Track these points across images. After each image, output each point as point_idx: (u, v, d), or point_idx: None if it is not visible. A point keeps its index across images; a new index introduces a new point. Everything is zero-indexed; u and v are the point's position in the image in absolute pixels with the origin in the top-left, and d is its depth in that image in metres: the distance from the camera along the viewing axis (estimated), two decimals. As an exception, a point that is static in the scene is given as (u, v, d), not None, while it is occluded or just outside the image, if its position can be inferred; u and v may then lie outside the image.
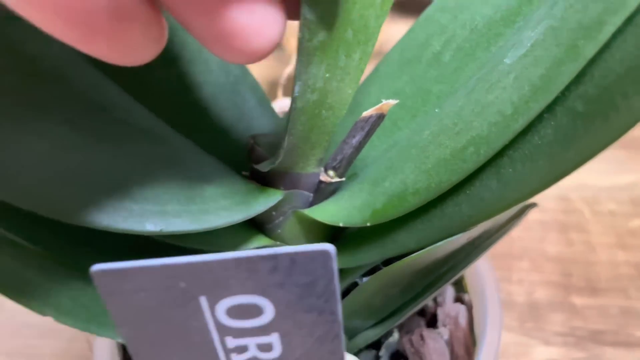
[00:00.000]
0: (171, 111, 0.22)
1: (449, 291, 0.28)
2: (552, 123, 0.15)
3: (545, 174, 0.16)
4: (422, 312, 0.27)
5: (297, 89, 0.17)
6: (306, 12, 0.15)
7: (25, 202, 0.16)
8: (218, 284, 0.13)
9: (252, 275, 0.13)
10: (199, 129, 0.22)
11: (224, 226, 0.19)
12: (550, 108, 0.16)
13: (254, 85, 0.24)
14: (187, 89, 0.22)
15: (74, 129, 0.18)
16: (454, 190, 0.18)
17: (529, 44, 0.17)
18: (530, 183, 0.16)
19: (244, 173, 0.23)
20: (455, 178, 0.18)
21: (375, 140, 0.22)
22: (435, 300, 0.27)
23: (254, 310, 0.14)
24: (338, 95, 0.19)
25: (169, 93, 0.22)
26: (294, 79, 0.18)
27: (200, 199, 0.19)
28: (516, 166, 0.16)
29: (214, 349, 0.15)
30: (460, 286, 0.29)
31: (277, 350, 0.15)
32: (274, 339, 0.15)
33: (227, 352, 0.15)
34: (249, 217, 0.20)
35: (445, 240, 0.18)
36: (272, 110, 0.25)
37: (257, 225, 0.24)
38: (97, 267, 0.13)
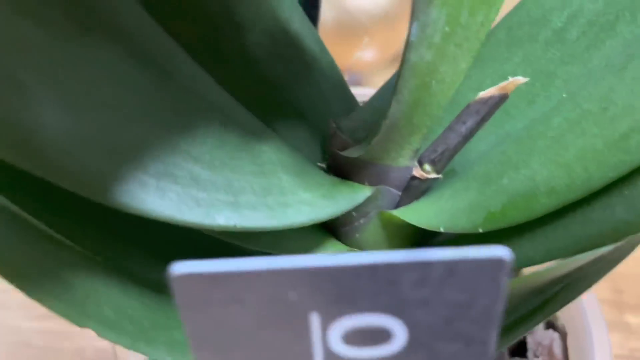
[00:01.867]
0: (241, 85, 0.18)
1: (539, 315, 0.24)
2: None
3: None
4: (506, 339, 0.24)
5: (413, 31, 0.14)
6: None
7: (64, 179, 0.13)
8: (340, 297, 0.10)
9: (388, 289, 0.10)
10: (271, 107, 0.19)
11: (307, 224, 0.16)
12: None
13: (331, 65, 0.21)
14: (260, 62, 0.19)
15: (136, 94, 0.14)
16: (605, 190, 0.14)
17: None
18: None
19: (319, 164, 0.19)
20: (613, 174, 0.14)
21: (480, 131, 0.18)
22: (522, 325, 0.24)
23: (380, 336, 0.10)
24: (452, 66, 0.16)
25: (241, 66, 0.18)
26: (410, 19, 0.14)
27: (278, 190, 0.16)
28: None
29: (315, 385, 0.11)
30: (548, 310, 0.25)
31: (397, 390, 0.11)
32: (397, 374, 0.11)
33: (332, 389, 0.11)
34: (335, 215, 0.17)
35: (588, 252, 0.15)
36: (350, 95, 0.21)
37: (328, 228, 0.20)
38: (178, 268, 0.09)
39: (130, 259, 0.17)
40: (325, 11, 0.43)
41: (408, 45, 0.14)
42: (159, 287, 0.17)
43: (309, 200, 0.16)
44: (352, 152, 0.18)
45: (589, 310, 0.23)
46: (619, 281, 0.39)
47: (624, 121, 0.14)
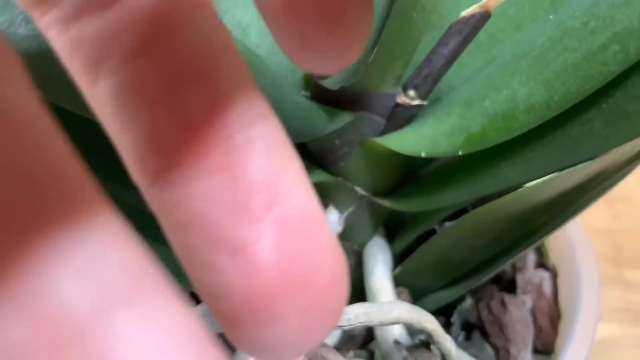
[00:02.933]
0: (225, 10, 0.18)
1: (529, 255, 0.24)
2: None
3: None
4: (496, 279, 0.23)
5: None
6: None
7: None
8: None
9: None
10: (255, 33, 0.18)
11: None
12: None
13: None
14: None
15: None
16: (582, 105, 0.14)
17: None
18: None
19: (303, 93, 0.19)
20: (590, 86, 0.14)
21: (465, 57, 0.18)
22: (512, 265, 0.23)
23: None
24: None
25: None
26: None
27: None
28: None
29: None
30: (540, 252, 0.25)
31: None
32: None
33: None
34: (309, 139, 0.17)
35: (567, 170, 0.15)
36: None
37: (314, 158, 0.20)
38: None
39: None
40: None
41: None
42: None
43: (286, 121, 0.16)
44: (333, 84, 0.17)
45: (579, 251, 0.22)
46: (618, 238, 0.40)
47: (603, 33, 0.14)
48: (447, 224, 0.20)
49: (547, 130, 0.15)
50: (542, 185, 0.15)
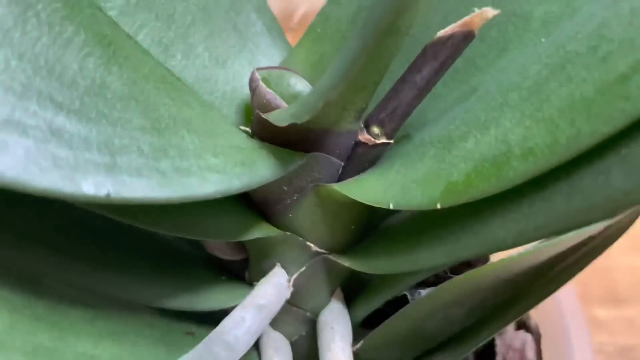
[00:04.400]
0: (141, 24, 0.14)
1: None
2: None
3: None
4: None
5: None
6: None
7: None
8: None
9: None
10: (181, 53, 0.15)
11: (214, 197, 0.12)
12: None
13: (261, 5, 0.17)
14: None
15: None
16: (597, 151, 0.11)
17: None
18: None
19: (241, 127, 0.16)
20: (608, 128, 0.11)
21: (438, 87, 0.15)
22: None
23: None
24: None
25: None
26: None
27: (177, 152, 0.12)
28: None
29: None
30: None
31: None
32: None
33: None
34: (253, 186, 0.13)
35: (574, 232, 0.11)
36: (284, 41, 0.17)
37: (258, 208, 0.16)
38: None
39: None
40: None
41: None
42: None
43: (217, 167, 0.12)
44: (277, 118, 0.14)
45: (566, 307, 0.19)
46: (582, 274, 0.39)
47: (621, 59, 0.11)
48: (421, 291, 0.16)
49: (549, 180, 0.12)
50: (554, 245, 0.12)
